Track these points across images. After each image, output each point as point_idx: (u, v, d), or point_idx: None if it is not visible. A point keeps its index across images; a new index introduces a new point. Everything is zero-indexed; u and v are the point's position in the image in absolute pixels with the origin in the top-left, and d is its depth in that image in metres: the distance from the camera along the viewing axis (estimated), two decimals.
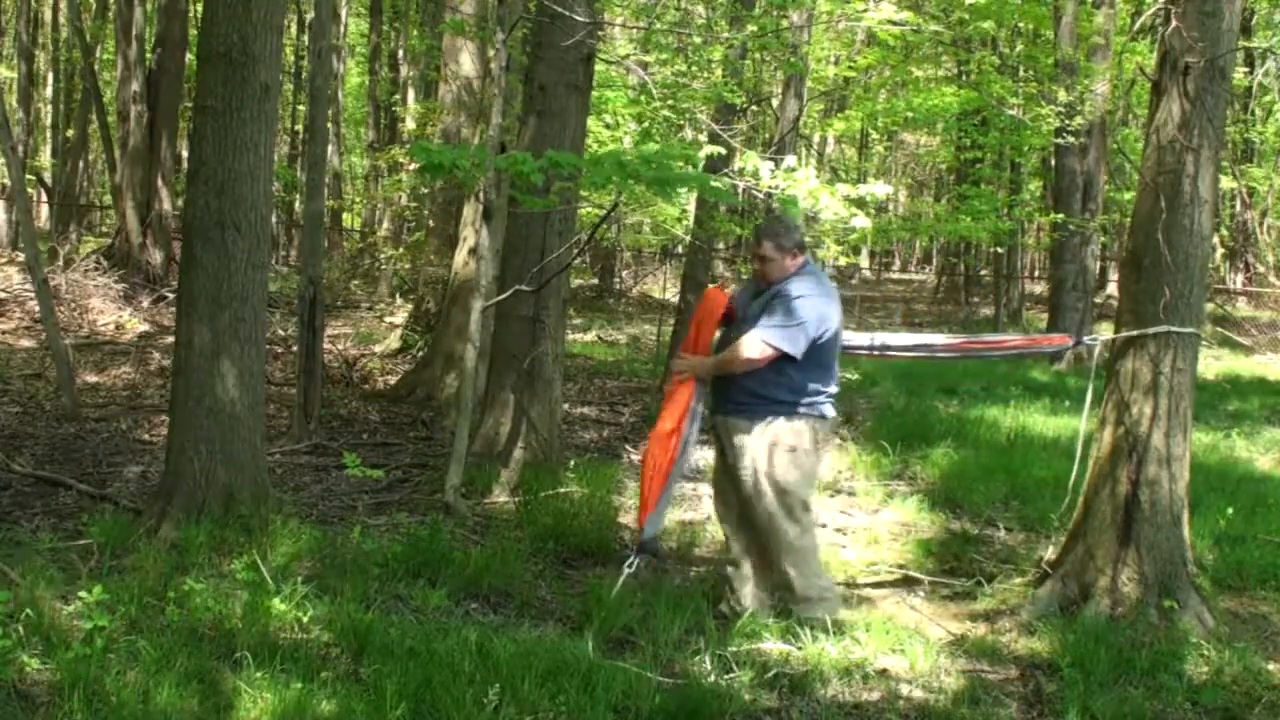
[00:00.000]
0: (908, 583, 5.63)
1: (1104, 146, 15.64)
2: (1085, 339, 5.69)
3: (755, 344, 4.78)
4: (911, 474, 7.92)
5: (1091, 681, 4.32)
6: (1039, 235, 25.35)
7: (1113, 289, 24.09)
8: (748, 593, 4.97)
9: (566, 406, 9.35)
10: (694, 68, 11.65)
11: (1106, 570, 5.02)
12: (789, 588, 4.89)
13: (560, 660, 4.07)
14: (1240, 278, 28.06)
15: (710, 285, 5.73)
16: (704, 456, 8.42)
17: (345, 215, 25.62)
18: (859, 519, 6.85)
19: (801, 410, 4.85)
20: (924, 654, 4.52)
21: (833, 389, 4.96)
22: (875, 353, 5.91)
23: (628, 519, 6.44)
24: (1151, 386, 4.99)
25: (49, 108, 27.74)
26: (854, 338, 5.80)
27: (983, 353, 5.81)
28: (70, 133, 23.40)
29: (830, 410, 4.95)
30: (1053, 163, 17.15)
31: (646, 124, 11.98)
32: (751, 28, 9.79)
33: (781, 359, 4.76)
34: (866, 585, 5.59)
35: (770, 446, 4.84)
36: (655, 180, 5.55)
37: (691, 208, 13.79)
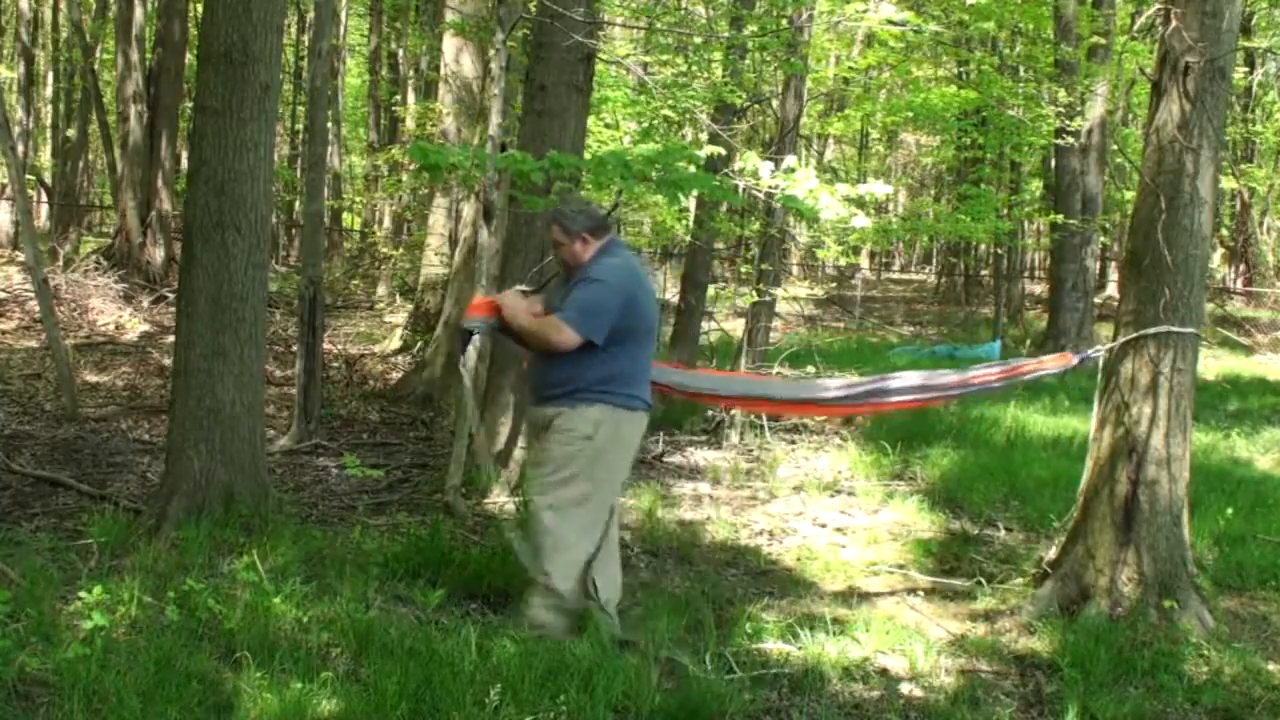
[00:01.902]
0: (908, 583, 5.63)
1: (1104, 146, 15.64)
2: (1088, 354, 5.36)
3: (555, 327, 4.57)
4: (911, 474, 7.92)
5: (1091, 681, 4.32)
6: (1039, 235, 25.36)
7: (1113, 289, 24.10)
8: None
9: None
10: (694, 68, 11.65)
11: (1106, 570, 5.02)
12: (542, 584, 4.59)
13: (560, 660, 4.07)
14: (1240, 278, 28.07)
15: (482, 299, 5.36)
16: (705, 457, 8.44)
17: (345, 215, 25.63)
18: (859, 519, 6.85)
19: (603, 398, 4.56)
20: (924, 654, 4.52)
21: (642, 377, 4.68)
22: (875, 401, 5.45)
23: (628, 519, 6.44)
24: (1151, 387, 4.99)
25: (49, 108, 27.77)
26: (855, 385, 5.53)
27: (988, 385, 5.52)
28: (70, 133, 23.41)
29: (637, 401, 4.65)
30: (1053, 163, 17.15)
31: (646, 124, 11.98)
32: (751, 28, 9.79)
33: (584, 344, 4.53)
34: (866, 585, 5.60)
35: (565, 430, 4.58)
36: (663, 182, 5.53)
37: (691, 207, 13.80)
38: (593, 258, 4.69)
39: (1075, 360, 5.42)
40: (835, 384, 5.76)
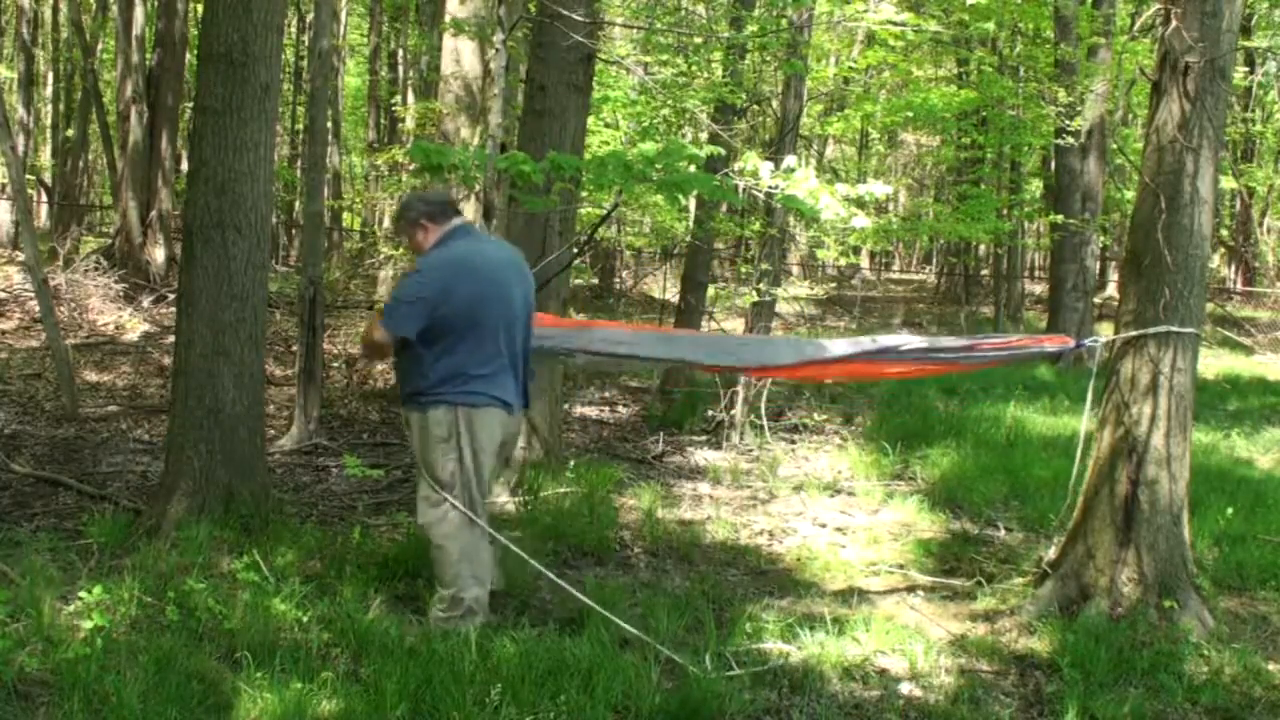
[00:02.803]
0: (908, 583, 5.63)
1: (1104, 146, 15.63)
2: (1086, 341, 5.52)
3: (371, 321, 4.54)
4: (911, 474, 7.92)
5: (1091, 681, 4.32)
6: (1039, 235, 25.35)
7: (1113, 289, 24.09)
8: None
9: (566, 406, 9.35)
10: (694, 68, 11.66)
11: (1106, 570, 5.02)
12: (448, 596, 4.56)
13: (560, 660, 4.07)
14: (1240, 278, 28.07)
15: None
16: (705, 457, 8.43)
17: (345, 215, 25.61)
18: (859, 519, 6.85)
19: (447, 397, 4.47)
20: (924, 654, 4.52)
21: (491, 373, 4.51)
22: (883, 360, 5.34)
23: (628, 519, 6.45)
24: (1151, 386, 4.99)
25: (49, 108, 27.73)
26: (862, 343, 5.41)
27: (986, 354, 5.59)
28: (70, 133, 23.41)
29: (481, 397, 4.50)
30: (1052, 163, 17.14)
31: (646, 124, 11.99)
32: (751, 28, 9.79)
33: (414, 341, 4.44)
34: (866, 585, 5.60)
35: (422, 436, 4.55)
36: (663, 182, 5.52)
37: (691, 207, 13.80)
38: (432, 246, 4.61)
39: (1074, 344, 5.57)
40: (842, 343, 5.68)
